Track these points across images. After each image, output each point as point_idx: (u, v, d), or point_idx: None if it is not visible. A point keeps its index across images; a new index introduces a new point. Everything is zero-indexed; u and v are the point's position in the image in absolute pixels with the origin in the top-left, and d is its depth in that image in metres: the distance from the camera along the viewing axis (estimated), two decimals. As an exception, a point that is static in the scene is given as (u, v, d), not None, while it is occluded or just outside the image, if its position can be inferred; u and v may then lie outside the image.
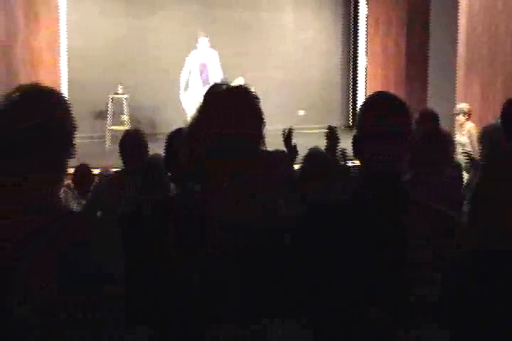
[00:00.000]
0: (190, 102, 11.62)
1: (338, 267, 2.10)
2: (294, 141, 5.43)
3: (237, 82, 11.62)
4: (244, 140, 1.99)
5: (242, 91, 2.07)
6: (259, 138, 2.01)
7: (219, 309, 1.92)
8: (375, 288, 2.08)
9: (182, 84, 12.02)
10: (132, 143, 5.01)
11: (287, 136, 5.42)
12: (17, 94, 1.92)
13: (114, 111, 12.84)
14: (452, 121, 9.81)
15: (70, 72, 12.79)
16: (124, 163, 5.05)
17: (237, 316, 1.91)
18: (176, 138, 3.44)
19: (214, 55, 12.17)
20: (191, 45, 13.20)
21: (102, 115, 12.98)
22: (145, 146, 5.04)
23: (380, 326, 2.05)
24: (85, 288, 1.83)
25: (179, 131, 3.26)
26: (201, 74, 11.94)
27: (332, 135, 5.59)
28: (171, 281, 1.92)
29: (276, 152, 5.67)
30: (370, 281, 2.08)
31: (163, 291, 1.93)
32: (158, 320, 1.93)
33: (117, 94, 12.79)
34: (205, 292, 1.91)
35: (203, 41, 12.06)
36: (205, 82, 11.82)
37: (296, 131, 7.04)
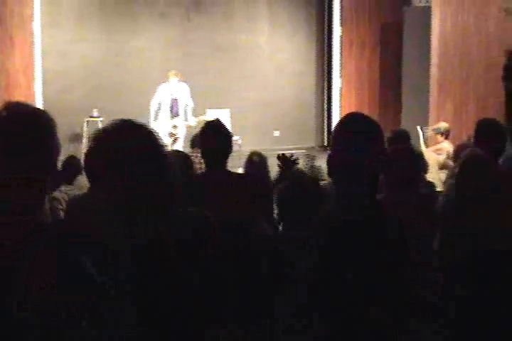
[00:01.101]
0: (160, 132, 11.53)
1: (339, 267, 2.11)
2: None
3: (207, 114, 11.75)
4: None
5: None
6: None
7: (219, 309, 1.92)
8: (375, 288, 2.09)
9: (152, 114, 11.87)
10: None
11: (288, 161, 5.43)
12: (4, 110, 1.95)
13: (89, 135, 12.78)
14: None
15: (44, 95, 12.71)
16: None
17: (237, 316, 1.91)
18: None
19: (185, 88, 12.05)
20: (168, 68, 13.22)
21: (77, 138, 12.93)
22: None
23: (380, 326, 2.06)
24: (85, 288, 1.83)
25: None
26: (171, 108, 11.87)
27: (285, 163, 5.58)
28: (171, 281, 1.92)
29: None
30: (370, 281, 2.09)
31: (163, 291, 1.93)
32: (158, 320, 1.93)
33: (92, 117, 12.77)
34: (206, 292, 1.91)
35: (174, 80, 11.92)
36: (174, 115, 11.78)
37: (271, 152, 7.07)
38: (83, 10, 13.36)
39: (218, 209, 2.56)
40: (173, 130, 11.64)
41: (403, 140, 6.89)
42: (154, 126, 11.48)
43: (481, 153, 4.15)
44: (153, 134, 2.09)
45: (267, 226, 4.22)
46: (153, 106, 11.82)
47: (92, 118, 12.76)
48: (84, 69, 13.24)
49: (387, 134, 8.56)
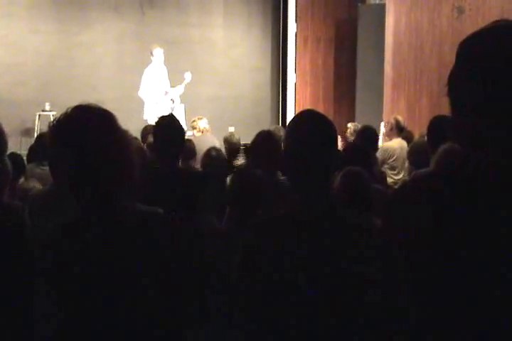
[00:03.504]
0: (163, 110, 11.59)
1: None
2: None
3: (186, 76, 11.75)
4: None
5: None
6: None
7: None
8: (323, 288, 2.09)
9: (151, 99, 11.60)
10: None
11: None
12: None
13: (41, 129, 12.59)
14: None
15: (-5, 89, 12.53)
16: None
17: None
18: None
19: (165, 70, 12.01)
20: (122, 62, 13.12)
21: (29, 132, 12.74)
22: None
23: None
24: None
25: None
26: (164, 82, 11.85)
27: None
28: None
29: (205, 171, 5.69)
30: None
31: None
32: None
33: (45, 111, 12.58)
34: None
35: (159, 52, 11.71)
36: (166, 87, 11.78)
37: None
38: (36, 1, 13.14)
39: (168, 206, 2.53)
40: (171, 104, 11.67)
41: (370, 136, 6.99)
42: (156, 108, 11.49)
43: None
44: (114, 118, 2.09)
45: (217, 222, 4.19)
46: (147, 92, 11.58)
47: (44, 112, 12.56)
48: (37, 62, 13.03)
49: (356, 129, 8.57)
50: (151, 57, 11.74)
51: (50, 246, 1.97)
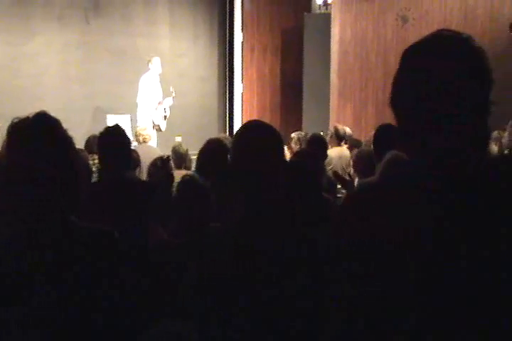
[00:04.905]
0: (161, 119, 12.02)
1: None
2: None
3: (172, 90, 12.25)
4: None
5: None
6: None
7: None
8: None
9: (150, 105, 12.01)
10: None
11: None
12: None
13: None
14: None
15: None
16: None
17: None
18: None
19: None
20: (67, 73, 12.95)
21: (-28, 145, 12.48)
22: None
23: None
24: None
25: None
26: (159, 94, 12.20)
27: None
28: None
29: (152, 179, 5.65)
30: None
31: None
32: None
33: (-12, 122, 12.36)
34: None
35: (157, 61, 12.14)
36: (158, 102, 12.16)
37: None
38: (-23, 12, 12.92)
39: (113, 218, 2.50)
40: (163, 112, 11.96)
41: (320, 144, 7.02)
42: (155, 114, 12.02)
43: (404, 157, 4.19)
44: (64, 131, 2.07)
45: (163, 231, 4.15)
46: (145, 99, 11.98)
47: (-13, 124, 12.34)
48: (-19, 74, 12.81)
49: (300, 137, 8.58)
50: (149, 65, 12.24)
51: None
